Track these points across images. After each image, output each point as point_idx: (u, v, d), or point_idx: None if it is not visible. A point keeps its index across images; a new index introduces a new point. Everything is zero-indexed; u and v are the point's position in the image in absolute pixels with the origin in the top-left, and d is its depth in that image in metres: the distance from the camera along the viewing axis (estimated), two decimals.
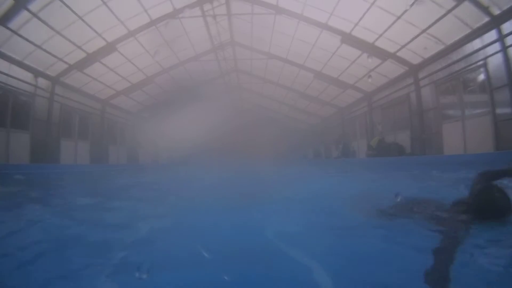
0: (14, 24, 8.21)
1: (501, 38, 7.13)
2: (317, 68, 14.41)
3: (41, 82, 10.67)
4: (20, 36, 8.65)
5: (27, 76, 9.99)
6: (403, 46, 10.24)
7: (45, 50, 9.76)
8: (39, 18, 8.50)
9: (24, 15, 8.15)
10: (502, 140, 7.29)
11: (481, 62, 7.83)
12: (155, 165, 18.31)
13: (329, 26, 10.94)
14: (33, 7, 8.10)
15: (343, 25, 10.63)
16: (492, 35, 7.42)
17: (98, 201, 4.05)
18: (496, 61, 7.41)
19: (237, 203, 3.61)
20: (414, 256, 1.67)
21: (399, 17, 9.05)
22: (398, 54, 10.75)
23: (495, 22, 7.24)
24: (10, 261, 1.74)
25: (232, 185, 6.78)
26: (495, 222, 1.75)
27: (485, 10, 7.24)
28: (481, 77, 8.03)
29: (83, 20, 9.45)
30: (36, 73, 10.30)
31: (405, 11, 8.65)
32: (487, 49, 7.61)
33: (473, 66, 8.15)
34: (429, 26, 8.77)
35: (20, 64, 9.53)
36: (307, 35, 11.93)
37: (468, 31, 8.09)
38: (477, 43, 7.98)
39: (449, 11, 7.92)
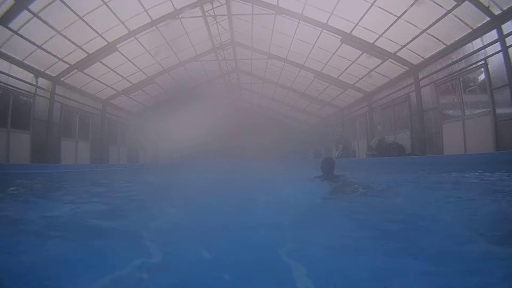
0: (14, 24, 8.20)
1: (502, 38, 7.12)
2: (317, 68, 14.42)
3: (42, 82, 10.67)
4: (21, 36, 8.65)
5: (28, 76, 9.99)
6: (403, 46, 10.24)
7: (45, 50, 9.76)
8: (39, 18, 8.50)
9: (24, 15, 8.14)
10: (502, 140, 7.28)
11: (481, 62, 7.81)
12: (156, 165, 18.32)
13: (329, 26, 10.94)
14: (33, 7, 8.10)
15: (343, 25, 10.63)
16: (492, 35, 7.41)
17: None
18: (496, 61, 7.40)
19: None
20: None
21: (399, 17, 9.04)
22: (398, 54, 10.74)
23: (496, 22, 7.24)
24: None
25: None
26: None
27: (486, 10, 7.23)
28: (481, 77, 8.03)
29: (83, 20, 9.45)
30: (37, 73, 10.30)
31: (405, 11, 8.66)
32: (488, 49, 7.59)
33: (473, 66, 8.14)
34: (429, 26, 8.76)
35: (20, 64, 9.53)
36: (307, 35, 11.94)
37: (468, 31, 8.08)
38: (477, 43, 7.97)
39: (449, 11, 7.92)
